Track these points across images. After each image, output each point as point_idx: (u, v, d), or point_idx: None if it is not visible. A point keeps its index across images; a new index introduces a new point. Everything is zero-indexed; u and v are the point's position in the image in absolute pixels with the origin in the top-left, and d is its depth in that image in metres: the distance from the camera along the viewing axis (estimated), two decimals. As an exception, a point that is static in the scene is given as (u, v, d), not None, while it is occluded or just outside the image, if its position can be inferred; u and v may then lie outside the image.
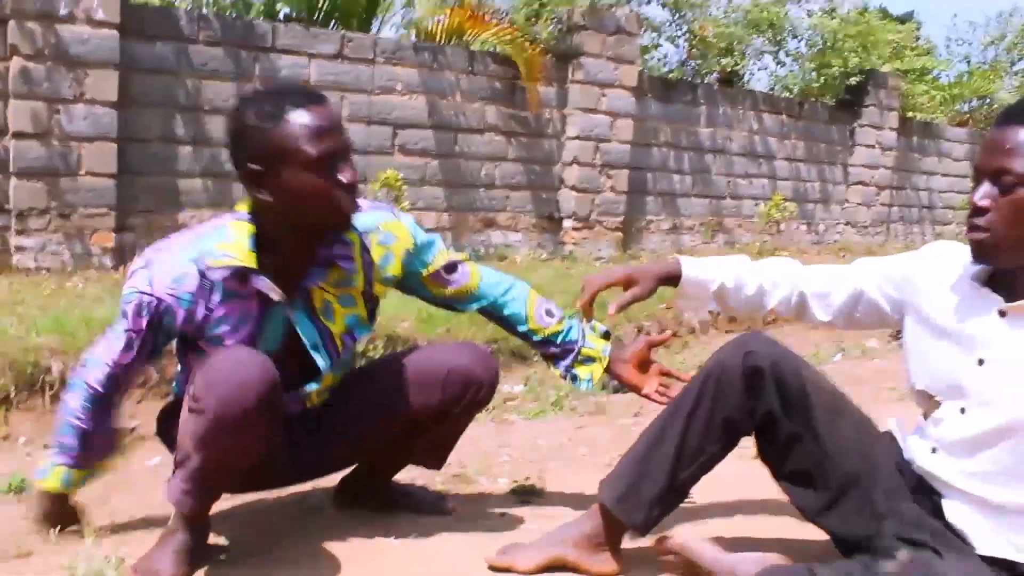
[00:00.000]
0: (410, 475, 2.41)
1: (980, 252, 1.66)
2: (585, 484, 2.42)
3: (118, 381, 1.97)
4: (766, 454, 1.94)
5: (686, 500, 2.03)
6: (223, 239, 1.84)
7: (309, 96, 1.80)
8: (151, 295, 1.84)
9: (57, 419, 2.02)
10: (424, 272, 2.08)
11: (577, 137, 6.83)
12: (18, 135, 4.65)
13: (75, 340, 3.40)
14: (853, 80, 9.17)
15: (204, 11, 5.73)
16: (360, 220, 1.92)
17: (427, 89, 6.10)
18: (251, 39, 5.41)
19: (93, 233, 4.88)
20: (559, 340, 2.17)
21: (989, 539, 1.67)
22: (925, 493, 1.76)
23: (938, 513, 1.73)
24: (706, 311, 2.08)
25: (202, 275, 1.84)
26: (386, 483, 2.32)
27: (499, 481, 2.60)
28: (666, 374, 2.22)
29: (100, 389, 1.94)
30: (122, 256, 4.98)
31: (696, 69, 8.43)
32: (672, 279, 2.06)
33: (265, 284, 1.83)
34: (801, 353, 4.97)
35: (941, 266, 1.80)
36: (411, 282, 2.09)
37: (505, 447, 3.06)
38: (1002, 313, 1.66)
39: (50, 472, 2.00)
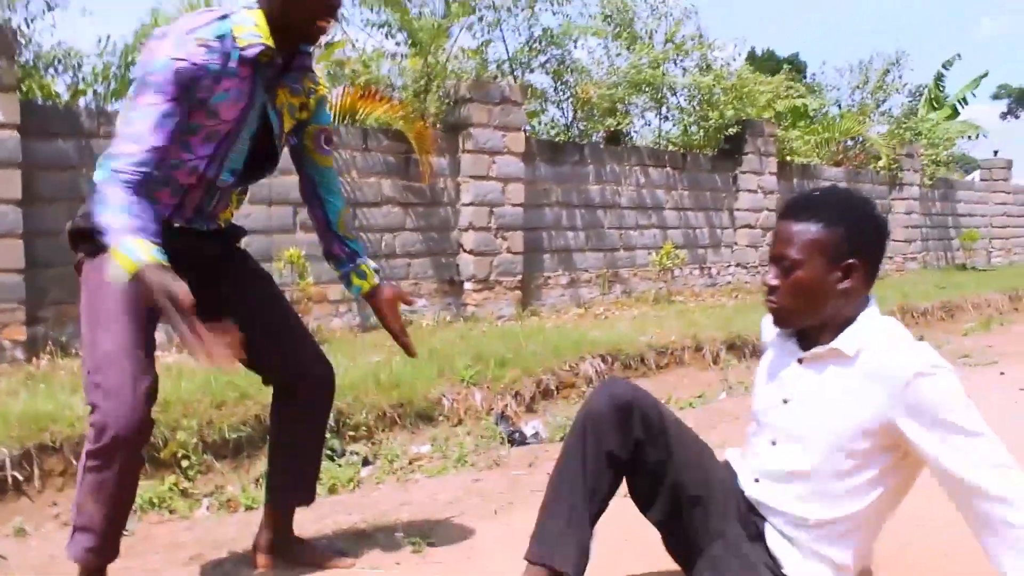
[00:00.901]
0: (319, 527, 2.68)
1: (776, 320, 2.06)
2: (471, 532, 2.72)
3: (150, 172, 2.06)
4: (632, 483, 2.21)
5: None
6: (243, 23, 2.14)
7: None
8: (186, 60, 2.06)
9: (104, 218, 2.02)
10: (317, 126, 2.45)
11: (471, 203, 7.17)
12: (-76, 238, 4.79)
13: (-7, 435, 3.57)
14: (731, 130, 9.75)
15: (105, 106, 5.93)
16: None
17: (340, 171, 6.38)
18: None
19: (4, 328, 5.01)
20: (350, 247, 2.54)
21: (800, 565, 2.01)
22: (754, 517, 2.10)
23: (762, 536, 2.07)
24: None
25: (230, 52, 2.12)
26: (291, 538, 2.60)
27: (396, 535, 2.88)
28: (404, 301, 2.59)
29: (139, 176, 2.03)
30: (34, 348, 5.11)
31: (583, 130, 8.87)
32: None
33: (279, 63, 2.20)
34: (691, 392, 5.38)
35: (769, 326, 2.19)
36: (305, 125, 2.43)
37: (406, 504, 3.33)
38: (800, 360, 2.04)
39: (137, 248, 1.97)
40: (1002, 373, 6.15)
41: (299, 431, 2.54)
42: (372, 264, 2.56)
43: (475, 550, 2.75)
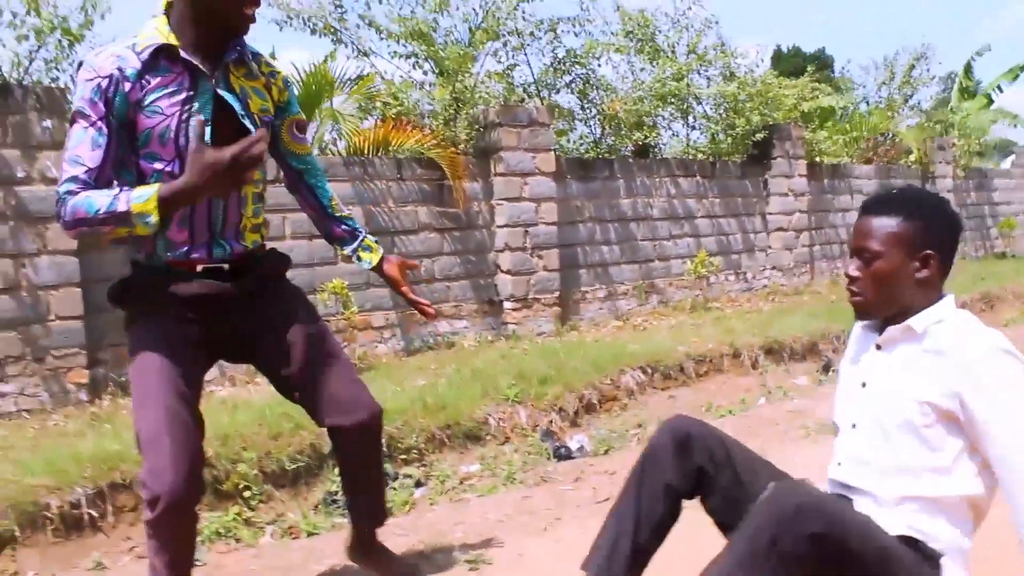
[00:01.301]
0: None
1: (857, 310, 2.20)
2: (523, 549, 2.87)
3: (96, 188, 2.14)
4: (708, 504, 2.33)
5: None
6: (145, 30, 2.27)
7: None
8: (101, 76, 2.18)
9: (92, 222, 2.11)
10: (290, 117, 2.57)
11: (506, 225, 7.34)
12: (-11, 291, 5.05)
13: (68, 476, 3.75)
14: (758, 136, 9.83)
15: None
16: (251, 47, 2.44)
17: (361, 200, 6.60)
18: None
19: (68, 372, 5.25)
20: (350, 225, 2.70)
21: (892, 524, 2.10)
22: (840, 500, 2.23)
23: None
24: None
25: (137, 56, 2.22)
26: (374, 547, 2.78)
27: (452, 554, 3.05)
28: (408, 266, 2.78)
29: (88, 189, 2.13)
30: (96, 390, 5.35)
31: (611, 145, 9.01)
32: None
33: (188, 55, 2.25)
34: (731, 399, 5.48)
35: (856, 326, 2.32)
36: (280, 118, 2.54)
37: (459, 524, 3.50)
38: (878, 346, 2.19)
39: (133, 197, 2.08)
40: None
41: (354, 468, 2.67)
42: (372, 237, 2.73)
43: (527, 566, 2.92)
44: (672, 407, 5.64)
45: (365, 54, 7.77)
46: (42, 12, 5.41)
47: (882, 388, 2.13)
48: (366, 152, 6.88)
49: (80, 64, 2.24)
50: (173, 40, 2.24)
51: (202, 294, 2.31)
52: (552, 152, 7.68)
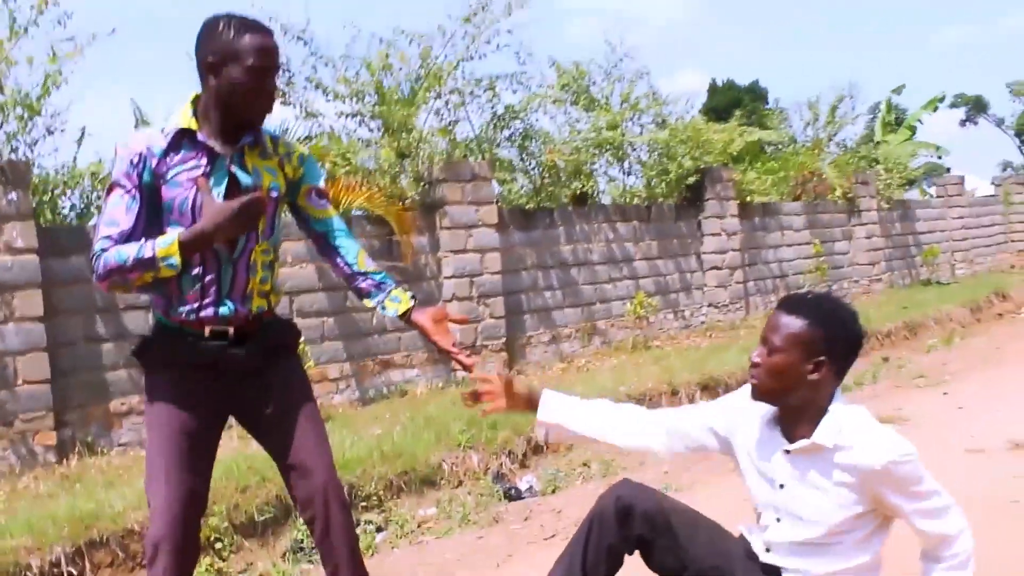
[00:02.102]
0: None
1: (753, 393, 2.48)
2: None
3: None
4: (650, 564, 2.66)
5: None
6: (174, 116, 2.61)
7: (262, 27, 2.60)
8: (134, 152, 2.54)
9: (123, 270, 2.42)
10: (306, 186, 2.82)
11: (453, 276, 7.69)
12: (-43, 359, 5.26)
13: (46, 536, 3.98)
14: (691, 180, 10.34)
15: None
16: (268, 130, 2.74)
17: (314, 257, 6.89)
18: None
19: (35, 435, 5.46)
20: (377, 278, 2.85)
21: None
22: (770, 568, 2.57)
23: None
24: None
25: (164, 137, 2.57)
26: None
27: (415, 593, 3.36)
28: (453, 320, 2.93)
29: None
30: (64, 451, 5.56)
31: (550, 194, 9.42)
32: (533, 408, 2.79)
33: (205, 138, 2.58)
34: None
35: (750, 411, 2.57)
36: (297, 189, 2.81)
37: (420, 565, 3.82)
38: (787, 452, 2.48)
39: (158, 243, 2.44)
40: (945, 393, 6.69)
41: (324, 548, 2.82)
42: (406, 291, 2.87)
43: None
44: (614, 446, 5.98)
45: (313, 115, 8.10)
46: (5, 88, 5.67)
47: (803, 494, 2.42)
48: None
49: (120, 145, 2.60)
50: (194, 125, 2.59)
51: (211, 362, 2.62)
52: (494, 204, 8.07)
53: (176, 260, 2.45)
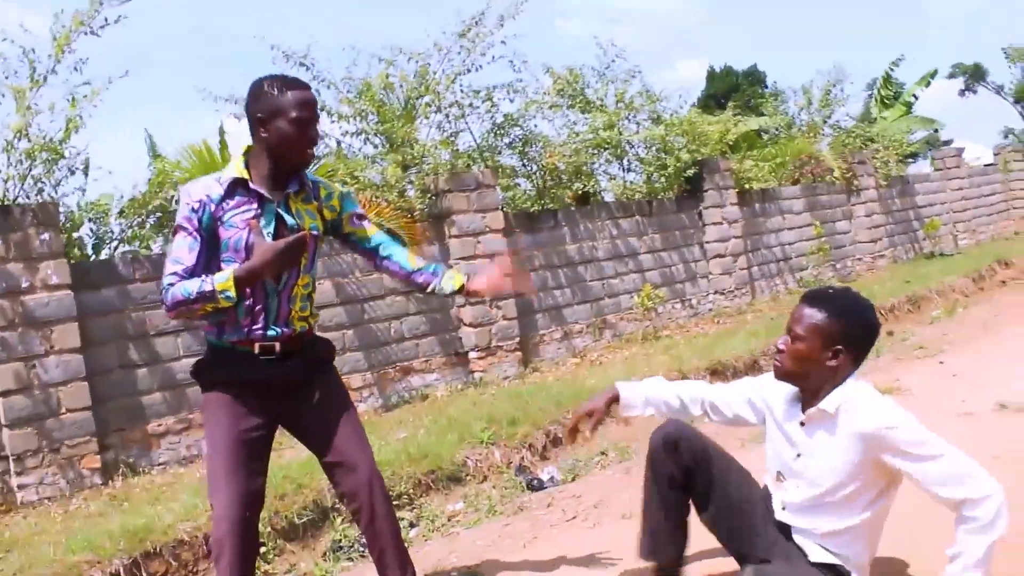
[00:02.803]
0: None
1: (776, 374, 2.85)
2: (508, 564, 3.50)
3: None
4: (695, 501, 3.06)
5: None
6: (230, 166, 3.03)
7: (301, 84, 2.96)
8: (195, 200, 2.95)
9: (188, 302, 2.86)
10: (347, 214, 3.22)
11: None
12: (4, 393, 5.57)
13: (104, 550, 4.28)
14: (690, 172, 10.61)
15: (137, 255, 6.75)
16: (312, 176, 3.15)
17: (331, 274, 7.22)
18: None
19: (82, 459, 5.78)
20: (430, 270, 3.26)
21: (817, 553, 2.78)
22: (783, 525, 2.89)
23: (790, 536, 2.86)
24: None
25: (220, 185, 2.98)
26: None
27: (451, 573, 3.66)
28: (509, 254, 3.40)
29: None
30: (108, 472, 5.88)
31: (553, 196, 9.71)
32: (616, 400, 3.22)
33: (257, 186, 2.98)
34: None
35: (777, 389, 2.95)
36: (340, 217, 3.21)
37: (453, 552, 4.12)
38: (802, 423, 2.82)
39: (216, 280, 2.86)
40: (941, 363, 6.96)
41: (370, 535, 3.20)
42: (460, 269, 3.30)
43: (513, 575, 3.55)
44: (629, 433, 6.27)
45: (319, 136, 8.40)
46: (31, 136, 6.00)
47: (815, 460, 2.76)
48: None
49: (183, 193, 3.02)
50: (246, 175, 2.99)
51: (261, 378, 2.99)
52: (500, 210, 8.37)
53: (232, 293, 2.86)
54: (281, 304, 3.04)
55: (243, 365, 3.01)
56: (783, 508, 2.87)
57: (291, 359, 3.07)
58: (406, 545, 3.57)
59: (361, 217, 3.26)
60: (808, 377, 2.74)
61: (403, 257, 3.28)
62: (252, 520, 2.99)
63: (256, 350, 3.01)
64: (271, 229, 2.98)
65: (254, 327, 3.01)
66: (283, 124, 2.90)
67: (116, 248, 7.07)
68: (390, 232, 7.12)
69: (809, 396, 2.78)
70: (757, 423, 3.06)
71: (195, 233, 2.93)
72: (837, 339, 2.69)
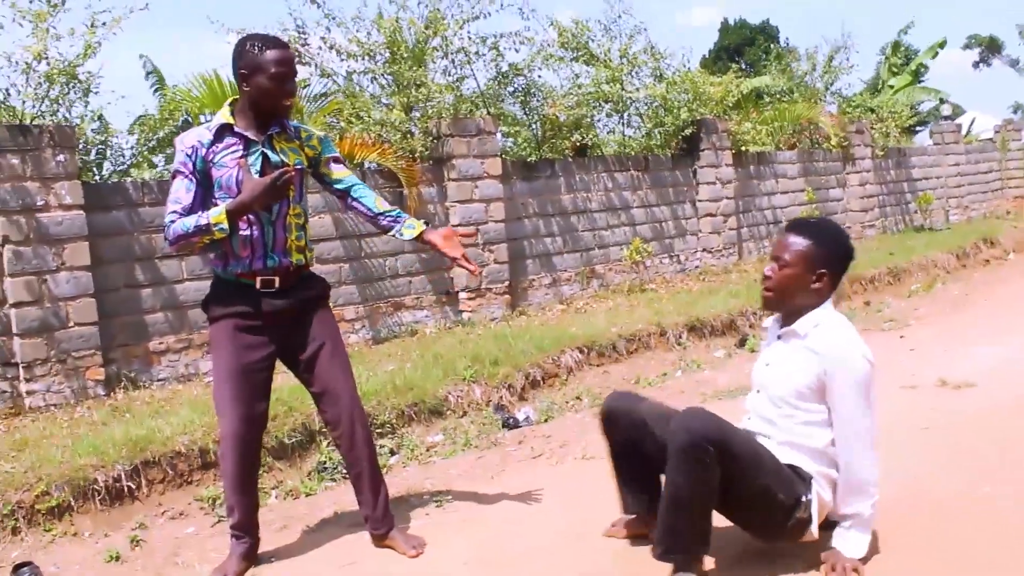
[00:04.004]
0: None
1: (765, 303, 3.13)
2: (477, 492, 3.89)
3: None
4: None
5: None
6: (218, 115, 3.40)
7: (279, 43, 3.35)
8: (189, 146, 3.33)
9: (187, 236, 3.24)
10: (325, 157, 3.57)
11: (459, 224, 8.25)
12: (17, 304, 5.88)
13: (108, 456, 4.62)
14: (688, 131, 10.84)
15: (148, 179, 7.03)
16: (293, 123, 3.52)
17: (330, 208, 7.50)
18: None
19: (87, 370, 6.12)
20: (394, 214, 3.58)
21: (780, 453, 3.01)
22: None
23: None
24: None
25: (210, 132, 3.35)
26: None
27: (424, 497, 4.06)
28: (463, 235, 3.64)
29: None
30: (111, 385, 6.23)
31: (552, 146, 9.96)
32: None
33: (241, 129, 3.35)
34: (656, 372, 6.47)
35: (770, 319, 3.24)
36: (319, 157, 3.56)
37: (428, 479, 4.51)
38: (779, 336, 3.12)
39: (210, 215, 3.21)
40: (902, 336, 7.30)
41: (349, 459, 3.59)
42: (421, 220, 3.59)
43: (480, 502, 3.95)
44: (606, 381, 6.64)
45: (328, 74, 8.64)
46: (50, 59, 6.24)
47: (778, 370, 3.06)
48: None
49: (178, 140, 3.40)
50: (231, 120, 3.35)
51: (262, 311, 3.37)
52: (498, 157, 8.63)
53: (225, 225, 3.21)
54: (276, 232, 3.38)
55: (246, 298, 3.36)
56: (749, 418, 3.13)
57: (289, 294, 3.41)
58: (384, 471, 3.96)
59: (337, 160, 3.59)
60: (794, 299, 2.98)
61: (371, 200, 3.58)
62: (254, 439, 3.38)
63: (258, 284, 3.34)
64: (258, 166, 3.33)
65: (255, 256, 3.36)
66: (263, 79, 3.25)
67: (126, 171, 7.33)
68: (367, 175, 7.40)
69: (791, 317, 3.04)
70: None
71: (190, 176, 3.29)
72: (821, 263, 2.96)
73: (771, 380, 3.05)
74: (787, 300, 3.01)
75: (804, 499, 2.95)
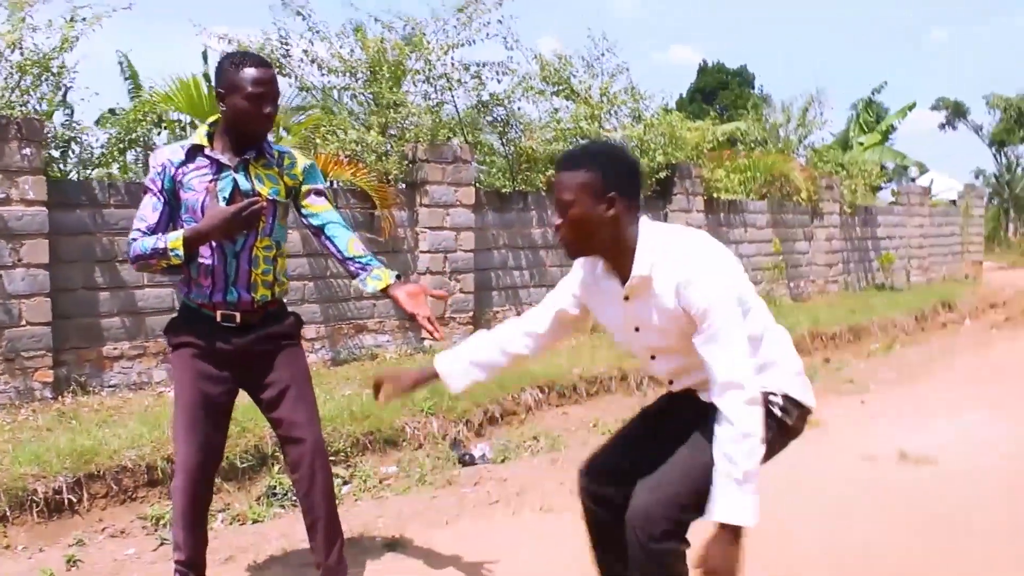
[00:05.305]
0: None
1: (568, 252, 2.75)
2: (431, 538, 3.78)
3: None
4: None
5: None
6: (194, 135, 3.24)
7: (258, 62, 3.19)
8: (159, 163, 3.18)
9: (145, 257, 3.07)
10: (307, 187, 3.38)
11: (428, 251, 8.21)
12: (-32, 298, 5.72)
13: (50, 465, 4.46)
14: (662, 174, 10.86)
15: (115, 180, 6.88)
16: (278, 147, 3.34)
17: (299, 225, 7.35)
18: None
19: (35, 372, 5.95)
20: (363, 261, 3.34)
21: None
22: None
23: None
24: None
25: (183, 151, 3.20)
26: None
27: (376, 540, 3.93)
28: (433, 295, 3.38)
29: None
30: (59, 388, 6.05)
31: (526, 179, 9.92)
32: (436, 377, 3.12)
33: (213, 153, 3.19)
34: (616, 417, 6.28)
35: (587, 274, 2.77)
36: (299, 188, 3.34)
37: (380, 516, 4.39)
38: (626, 297, 2.71)
39: (167, 238, 3.05)
40: (863, 401, 7.33)
41: (306, 504, 3.39)
42: (391, 272, 3.33)
43: (432, 550, 3.83)
44: (564, 423, 6.57)
45: (307, 88, 8.55)
46: (24, 50, 6.10)
47: (653, 329, 2.67)
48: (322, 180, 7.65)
49: (152, 158, 3.25)
50: (204, 142, 3.20)
51: (222, 347, 3.21)
52: (472, 186, 8.58)
53: (180, 252, 3.06)
54: (240, 265, 3.20)
55: (206, 331, 3.21)
56: (671, 382, 2.83)
57: (252, 330, 3.25)
58: (337, 502, 3.83)
59: (319, 193, 3.40)
60: (596, 237, 2.59)
61: (343, 243, 3.36)
62: (208, 472, 3.24)
63: (218, 317, 3.21)
64: (227, 193, 3.16)
65: (215, 288, 3.20)
66: (238, 99, 3.10)
67: (93, 170, 7.17)
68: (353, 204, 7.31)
69: (614, 263, 2.66)
70: (579, 314, 2.96)
71: (158, 194, 3.16)
72: (605, 187, 2.56)
73: (658, 341, 2.72)
74: (591, 242, 2.63)
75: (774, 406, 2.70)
